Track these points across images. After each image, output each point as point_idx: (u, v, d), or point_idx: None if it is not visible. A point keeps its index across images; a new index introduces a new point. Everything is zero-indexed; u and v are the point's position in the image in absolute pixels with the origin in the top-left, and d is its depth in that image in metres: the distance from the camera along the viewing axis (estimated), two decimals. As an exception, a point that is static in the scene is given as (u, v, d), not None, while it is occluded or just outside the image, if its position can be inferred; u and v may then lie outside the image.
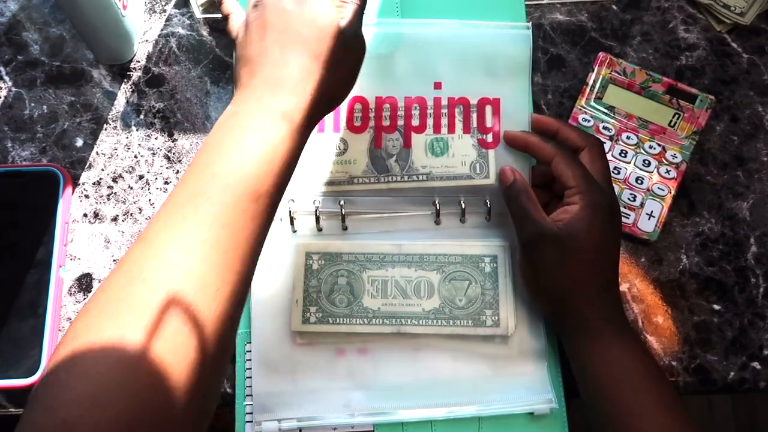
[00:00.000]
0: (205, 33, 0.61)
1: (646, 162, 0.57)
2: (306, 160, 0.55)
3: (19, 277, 0.53)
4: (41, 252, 0.54)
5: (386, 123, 0.55)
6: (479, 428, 0.51)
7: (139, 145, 0.58)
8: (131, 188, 0.57)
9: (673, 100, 0.58)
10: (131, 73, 0.60)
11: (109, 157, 0.58)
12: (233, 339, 0.39)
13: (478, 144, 0.55)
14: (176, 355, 0.32)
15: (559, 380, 0.52)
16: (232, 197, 0.38)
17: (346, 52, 0.45)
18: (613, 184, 0.56)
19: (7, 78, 0.59)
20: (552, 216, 0.50)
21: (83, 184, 0.57)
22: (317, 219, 0.53)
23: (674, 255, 0.56)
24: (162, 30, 0.61)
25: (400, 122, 0.55)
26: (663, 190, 0.56)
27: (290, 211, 0.53)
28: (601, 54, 0.59)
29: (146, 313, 0.33)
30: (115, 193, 0.57)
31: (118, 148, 0.58)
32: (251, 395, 0.51)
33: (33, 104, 0.59)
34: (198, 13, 0.60)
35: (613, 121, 0.58)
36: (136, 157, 0.58)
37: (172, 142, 0.58)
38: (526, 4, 0.60)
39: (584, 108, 0.58)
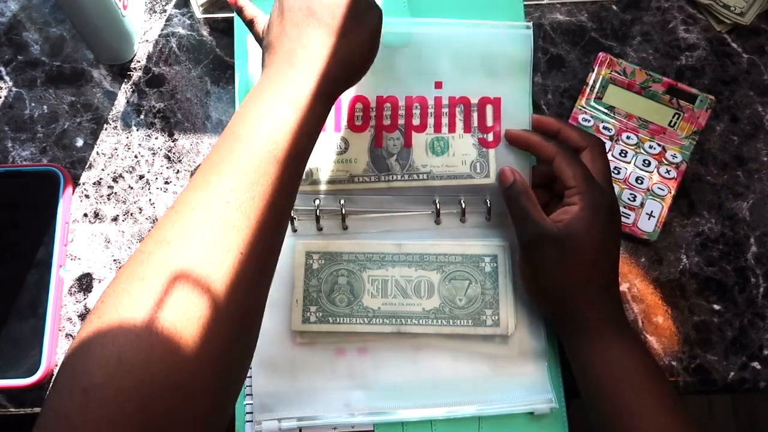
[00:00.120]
0: (205, 33, 0.61)
1: (646, 162, 0.57)
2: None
3: (20, 277, 0.53)
4: (41, 252, 0.54)
5: (387, 122, 0.55)
6: (479, 428, 0.51)
7: (140, 145, 0.58)
8: (131, 188, 0.57)
9: (673, 100, 0.58)
10: (131, 73, 0.60)
11: (110, 157, 0.58)
12: (260, 300, 0.39)
13: (478, 143, 0.55)
14: (186, 319, 0.33)
15: (559, 380, 0.52)
16: (253, 161, 0.39)
17: (360, 21, 0.46)
18: (613, 184, 0.56)
19: (7, 78, 0.59)
20: (552, 216, 0.50)
21: (83, 184, 0.57)
22: (317, 218, 0.53)
23: (674, 255, 0.56)
24: (162, 30, 0.61)
25: (401, 121, 0.55)
26: (663, 190, 0.56)
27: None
28: (601, 54, 0.59)
29: (158, 281, 0.33)
30: (116, 193, 0.57)
31: (119, 148, 0.58)
32: (251, 394, 0.51)
33: (33, 104, 0.59)
34: (198, 13, 0.60)
35: (613, 121, 0.58)
36: (136, 157, 0.58)
37: (173, 142, 0.58)
38: (525, 4, 0.60)
39: (584, 108, 0.58)
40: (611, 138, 0.58)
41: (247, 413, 0.51)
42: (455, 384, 0.52)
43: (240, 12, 0.51)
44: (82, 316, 0.54)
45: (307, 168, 0.55)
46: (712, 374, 0.54)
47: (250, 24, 0.50)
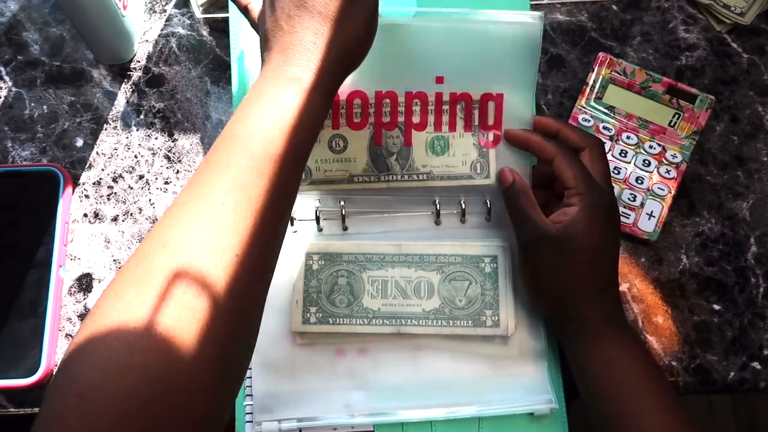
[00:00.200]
0: (205, 33, 0.60)
1: (646, 162, 0.57)
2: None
3: (19, 277, 0.53)
4: (41, 252, 0.54)
5: (386, 119, 0.54)
6: (479, 428, 0.51)
7: (139, 145, 0.58)
8: (131, 188, 0.57)
9: (673, 100, 0.58)
10: (131, 73, 0.60)
11: (110, 157, 0.58)
12: (258, 301, 0.39)
13: (478, 143, 0.54)
14: (181, 322, 0.33)
15: (559, 380, 0.52)
16: (249, 160, 0.38)
17: (354, 5, 0.44)
18: (613, 184, 0.56)
19: (7, 78, 0.59)
20: (551, 217, 0.49)
21: (83, 184, 0.57)
22: (317, 219, 0.53)
23: (674, 255, 0.56)
24: (162, 30, 0.61)
25: (401, 118, 0.54)
26: (663, 190, 0.56)
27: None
28: (601, 54, 0.59)
29: (153, 285, 0.33)
30: (115, 193, 0.57)
31: (118, 148, 0.58)
32: (251, 395, 0.51)
33: (33, 104, 0.59)
34: (198, 13, 0.60)
35: (613, 121, 0.58)
36: (136, 157, 0.58)
37: (172, 142, 0.58)
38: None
39: (584, 108, 0.58)
40: (611, 138, 0.58)
41: (247, 414, 0.51)
42: (455, 384, 0.52)
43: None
44: (82, 316, 0.54)
45: (306, 167, 0.54)
46: (712, 374, 0.54)
47: (245, 11, 0.49)
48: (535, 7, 0.61)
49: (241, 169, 0.38)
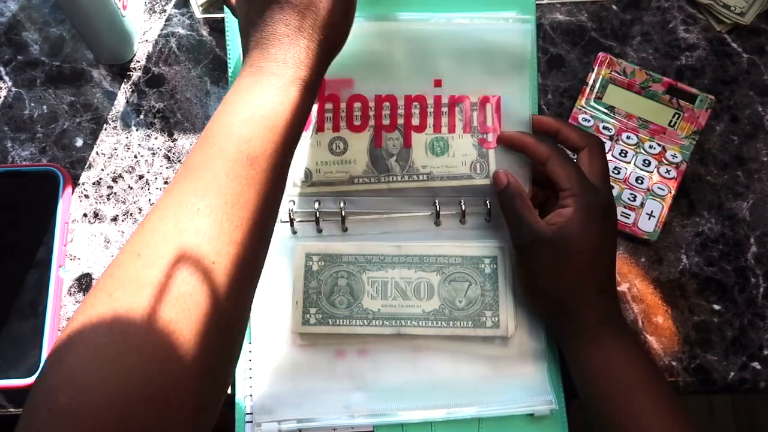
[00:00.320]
0: (205, 33, 0.60)
1: (646, 162, 0.57)
2: (305, 160, 0.55)
3: (19, 277, 0.53)
4: (41, 252, 0.54)
5: (386, 122, 0.55)
6: (479, 429, 0.51)
7: (139, 145, 0.58)
8: (131, 188, 0.57)
9: (673, 100, 0.58)
10: (131, 73, 0.60)
11: (109, 157, 0.58)
12: (240, 310, 0.37)
13: (478, 143, 0.55)
14: (153, 335, 0.32)
15: (559, 381, 0.52)
16: (224, 163, 0.37)
17: None
18: (614, 184, 0.56)
19: (7, 78, 0.59)
20: (547, 219, 0.49)
21: (83, 184, 0.57)
22: (317, 220, 0.53)
23: (674, 255, 0.56)
24: (162, 30, 0.61)
25: (400, 121, 0.55)
26: (663, 190, 0.56)
27: (290, 213, 0.53)
28: (600, 54, 0.59)
29: (124, 297, 0.32)
30: (115, 193, 0.57)
31: (118, 148, 0.58)
32: (251, 396, 0.51)
33: (33, 104, 0.59)
34: (198, 13, 0.60)
35: (613, 121, 0.58)
36: (136, 157, 0.58)
37: (172, 142, 0.58)
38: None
39: (584, 108, 0.58)
40: (611, 138, 0.58)
41: (246, 414, 0.51)
42: (455, 385, 0.52)
43: None
44: (82, 317, 0.54)
45: (306, 169, 0.54)
46: (712, 374, 0.54)
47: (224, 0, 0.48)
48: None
49: (216, 172, 0.36)
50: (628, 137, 0.57)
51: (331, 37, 0.44)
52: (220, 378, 0.36)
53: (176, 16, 0.61)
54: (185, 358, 0.32)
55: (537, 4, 0.60)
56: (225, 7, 0.49)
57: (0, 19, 0.61)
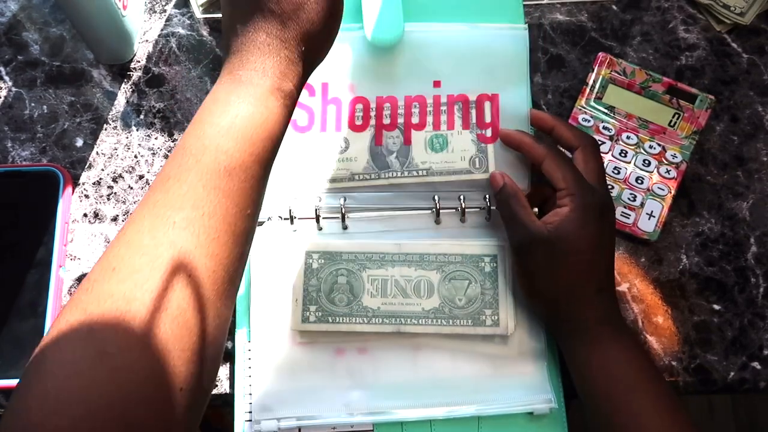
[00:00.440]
0: (205, 33, 0.61)
1: (646, 162, 0.57)
2: (307, 159, 0.55)
3: (19, 277, 0.53)
4: (41, 252, 0.54)
5: (387, 121, 0.56)
6: (479, 428, 0.51)
7: (139, 145, 0.58)
8: (131, 188, 0.57)
9: (673, 100, 0.58)
10: (131, 73, 0.60)
11: (109, 157, 0.58)
12: (218, 324, 0.36)
13: (477, 139, 0.55)
14: (129, 355, 0.31)
15: (559, 380, 0.52)
16: (201, 174, 0.36)
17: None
18: (614, 184, 0.56)
19: (7, 78, 0.59)
20: (544, 219, 0.49)
21: (83, 184, 0.57)
22: (317, 218, 0.53)
23: (674, 255, 0.56)
24: (162, 30, 0.61)
25: (401, 120, 0.56)
26: (663, 190, 0.56)
27: (290, 210, 0.53)
28: (601, 54, 0.59)
29: (98, 314, 0.31)
30: (115, 193, 0.57)
31: (118, 148, 0.58)
32: (250, 394, 0.51)
33: (33, 104, 0.59)
34: (198, 13, 0.60)
35: (613, 121, 0.58)
36: (136, 157, 0.58)
37: (172, 142, 0.58)
38: (525, 4, 0.60)
39: (584, 108, 0.58)
40: (611, 138, 0.58)
41: (246, 412, 0.51)
42: (455, 384, 0.52)
43: None
44: (82, 316, 0.54)
45: (307, 168, 0.55)
46: (712, 374, 0.54)
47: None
48: (534, 8, 0.61)
49: (193, 184, 0.35)
50: (628, 137, 0.57)
51: (314, 49, 0.43)
52: (196, 393, 0.34)
53: (176, 16, 0.61)
54: (161, 374, 0.31)
55: (537, 5, 0.61)
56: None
57: (0, 19, 0.61)
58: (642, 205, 0.56)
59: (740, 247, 0.56)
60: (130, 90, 0.59)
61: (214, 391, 0.53)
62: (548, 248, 0.48)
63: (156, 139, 0.58)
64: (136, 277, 0.33)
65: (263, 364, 0.52)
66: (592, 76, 0.58)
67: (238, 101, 0.38)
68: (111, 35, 0.56)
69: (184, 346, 0.33)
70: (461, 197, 0.54)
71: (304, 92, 0.56)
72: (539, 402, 0.51)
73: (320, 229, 0.54)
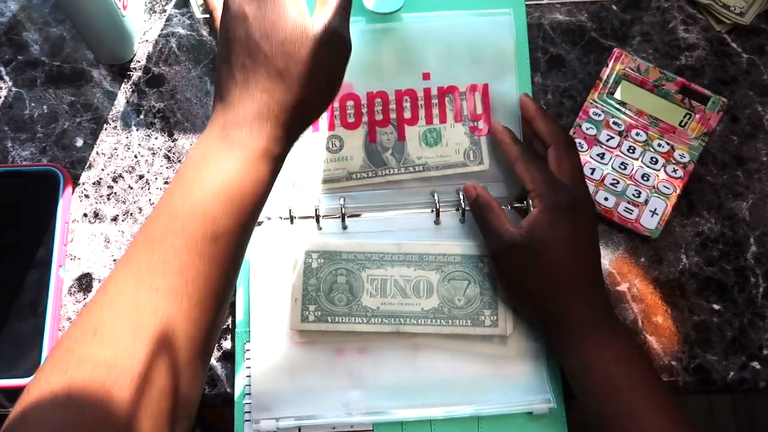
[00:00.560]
0: (205, 33, 0.61)
1: (654, 159, 0.57)
2: (303, 160, 0.55)
3: (19, 277, 0.53)
4: (41, 252, 0.54)
5: (379, 117, 0.56)
6: (479, 428, 0.51)
7: (139, 145, 0.58)
8: (131, 188, 0.57)
9: (686, 100, 0.58)
10: (131, 73, 0.60)
11: (109, 157, 0.58)
12: (194, 386, 0.36)
13: (470, 132, 0.56)
14: (106, 418, 0.31)
15: (558, 380, 0.52)
16: (187, 240, 0.36)
17: (319, 61, 0.40)
18: (620, 180, 0.56)
19: (7, 78, 0.59)
20: (521, 224, 0.49)
21: (83, 184, 0.57)
22: (317, 218, 0.53)
23: (674, 255, 0.56)
24: (162, 30, 0.61)
25: (393, 115, 0.56)
26: (668, 188, 0.56)
27: (290, 210, 0.53)
28: (616, 50, 0.59)
29: (80, 376, 0.32)
30: (115, 193, 0.57)
31: (118, 148, 0.58)
32: (249, 394, 0.51)
33: (33, 104, 0.59)
34: (198, 13, 0.60)
35: (624, 117, 0.58)
36: (136, 157, 0.58)
37: (172, 142, 0.58)
38: (526, 4, 0.60)
39: (596, 102, 0.58)
40: (620, 134, 0.58)
41: (246, 412, 0.51)
42: (454, 384, 0.52)
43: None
44: (82, 316, 0.54)
45: (304, 170, 0.55)
46: (712, 374, 0.54)
47: (211, 14, 0.46)
48: (534, 8, 0.61)
49: (178, 249, 0.35)
50: (637, 134, 0.57)
51: (308, 117, 0.42)
52: None
53: (176, 16, 0.61)
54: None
55: (537, 4, 0.61)
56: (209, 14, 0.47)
57: (0, 19, 0.61)
58: (646, 202, 0.56)
59: (740, 247, 0.56)
60: (130, 90, 0.59)
61: (214, 391, 0.53)
62: (522, 253, 0.48)
63: (156, 139, 0.58)
64: (118, 343, 0.33)
65: (262, 364, 0.52)
66: (606, 71, 0.58)
67: (228, 164, 0.38)
68: (111, 35, 0.56)
69: (161, 409, 0.33)
70: (460, 194, 0.55)
71: None
72: (538, 402, 0.51)
73: (320, 228, 0.54)
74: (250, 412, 0.51)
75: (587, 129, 0.58)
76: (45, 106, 0.59)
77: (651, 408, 0.45)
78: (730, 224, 0.57)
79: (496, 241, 0.50)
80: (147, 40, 0.60)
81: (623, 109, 0.58)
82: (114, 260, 0.56)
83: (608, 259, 0.56)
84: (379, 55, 0.57)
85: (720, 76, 0.60)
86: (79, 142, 0.58)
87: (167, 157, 0.58)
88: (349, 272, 0.53)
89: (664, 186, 0.56)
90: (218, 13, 0.44)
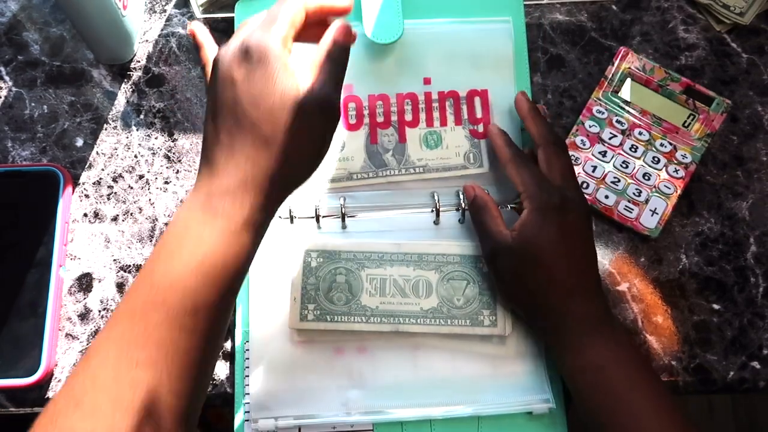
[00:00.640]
0: (205, 33, 0.61)
1: (656, 159, 0.57)
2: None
3: (20, 277, 0.53)
4: (41, 252, 0.54)
5: (380, 119, 0.56)
6: (479, 428, 0.51)
7: (139, 144, 0.58)
8: (131, 188, 0.57)
9: (690, 101, 0.58)
10: (131, 73, 0.60)
11: (109, 157, 0.58)
12: None
13: (470, 134, 0.56)
14: None
15: (558, 380, 0.52)
16: (167, 313, 0.36)
17: (307, 128, 0.39)
18: (620, 178, 0.56)
19: (7, 78, 0.59)
20: (514, 225, 0.49)
21: (83, 183, 0.57)
22: (317, 217, 0.53)
23: (674, 255, 0.56)
24: (162, 30, 0.61)
25: (394, 118, 0.56)
26: (669, 188, 0.56)
27: (290, 209, 0.53)
28: (622, 48, 0.59)
29: None
30: (115, 192, 0.57)
31: (118, 147, 0.58)
32: (248, 393, 0.51)
33: (33, 104, 0.59)
34: (198, 13, 0.60)
35: (628, 115, 0.58)
36: (136, 156, 0.58)
37: (172, 141, 0.58)
38: (525, 4, 0.60)
39: (600, 100, 0.58)
40: (623, 132, 0.58)
41: (245, 412, 0.51)
42: (453, 383, 0.52)
43: (198, 49, 0.45)
44: (82, 316, 0.54)
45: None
46: (712, 374, 0.54)
47: (203, 68, 0.44)
48: (534, 8, 0.61)
49: (158, 322, 0.36)
50: (640, 133, 0.57)
51: (293, 186, 0.42)
52: None
53: (176, 16, 0.61)
54: None
55: (537, 4, 0.61)
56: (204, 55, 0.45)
57: (0, 19, 0.61)
58: (647, 201, 0.56)
59: (740, 247, 0.56)
60: (130, 90, 0.59)
61: (214, 391, 0.53)
62: (514, 255, 0.48)
63: (156, 138, 0.58)
64: (98, 416, 0.34)
65: (261, 363, 0.52)
66: (612, 69, 0.58)
67: (210, 236, 0.38)
68: (111, 35, 0.56)
69: None
70: (459, 193, 0.55)
71: None
72: (538, 402, 0.51)
73: (320, 227, 0.54)
74: (249, 411, 0.51)
75: (590, 127, 0.58)
76: (45, 106, 0.59)
77: (651, 408, 0.45)
78: (730, 224, 0.57)
79: (489, 243, 0.50)
80: (147, 40, 0.60)
81: (627, 108, 0.58)
82: (114, 260, 0.56)
83: (608, 258, 0.56)
84: (381, 60, 0.57)
85: (720, 76, 0.60)
86: (79, 142, 0.58)
87: (167, 157, 0.58)
88: (349, 271, 0.53)
89: (665, 186, 0.56)
90: (209, 69, 0.43)
